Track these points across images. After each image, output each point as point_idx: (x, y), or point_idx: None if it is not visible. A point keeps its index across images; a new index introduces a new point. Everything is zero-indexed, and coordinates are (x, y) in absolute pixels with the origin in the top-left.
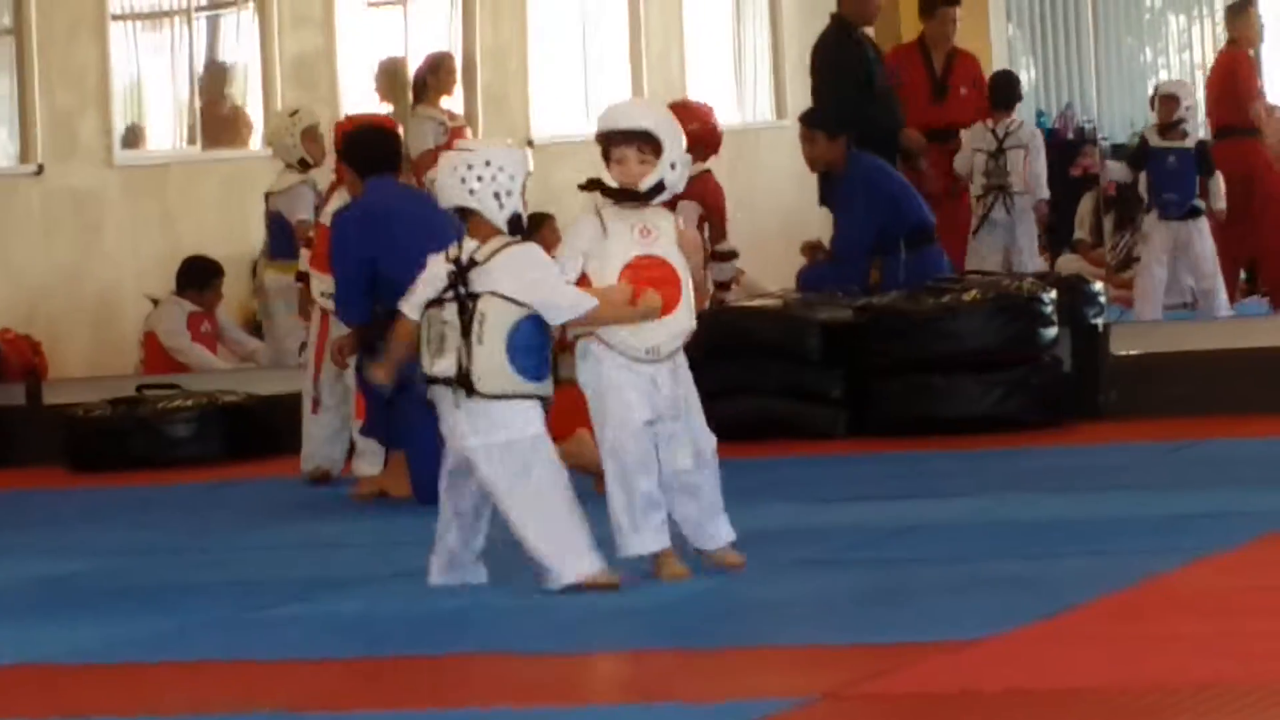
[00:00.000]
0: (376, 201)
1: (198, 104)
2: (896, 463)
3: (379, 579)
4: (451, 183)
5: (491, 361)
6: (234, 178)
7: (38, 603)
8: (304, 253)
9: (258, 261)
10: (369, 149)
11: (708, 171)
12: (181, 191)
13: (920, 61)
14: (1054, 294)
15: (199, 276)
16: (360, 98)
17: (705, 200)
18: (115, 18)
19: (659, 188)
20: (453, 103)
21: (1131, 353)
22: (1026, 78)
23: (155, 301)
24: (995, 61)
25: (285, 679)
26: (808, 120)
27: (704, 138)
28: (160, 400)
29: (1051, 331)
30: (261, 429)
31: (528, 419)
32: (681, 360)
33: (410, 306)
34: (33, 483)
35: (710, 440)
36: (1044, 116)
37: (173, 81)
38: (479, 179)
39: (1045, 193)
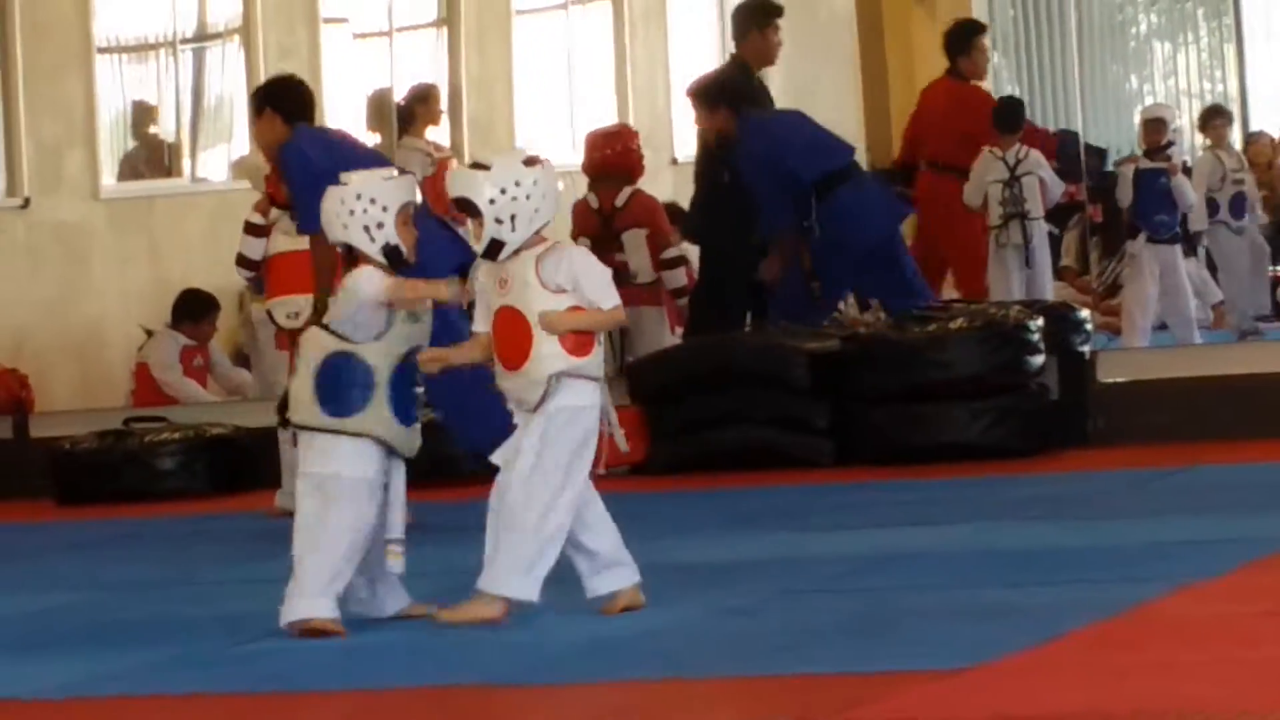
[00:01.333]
0: (314, 133)
1: (185, 136)
2: (883, 491)
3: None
4: (328, 218)
5: (302, 393)
6: (221, 210)
7: (24, 637)
8: None
9: (243, 294)
10: (297, 95)
11: (637, 191)
12: (168, 224)
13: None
14: (1041, 322)
15: (194, 309)
16: (346, 128)
17: (641, 220)
18: (101, 50)
19: (495, 245)
20: (439, 133)
21: (1118, 380)
22: None
23: (149, 333)
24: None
25: (273, 713)
26: (691, 94)
27: (618, 162)
28: (148, 433)
29: (1038, 359)
30: (249, 462)
31: (338, 457)
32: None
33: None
34: (20, 516)
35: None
36: None
37: (159, 114)
38: (350, 213)
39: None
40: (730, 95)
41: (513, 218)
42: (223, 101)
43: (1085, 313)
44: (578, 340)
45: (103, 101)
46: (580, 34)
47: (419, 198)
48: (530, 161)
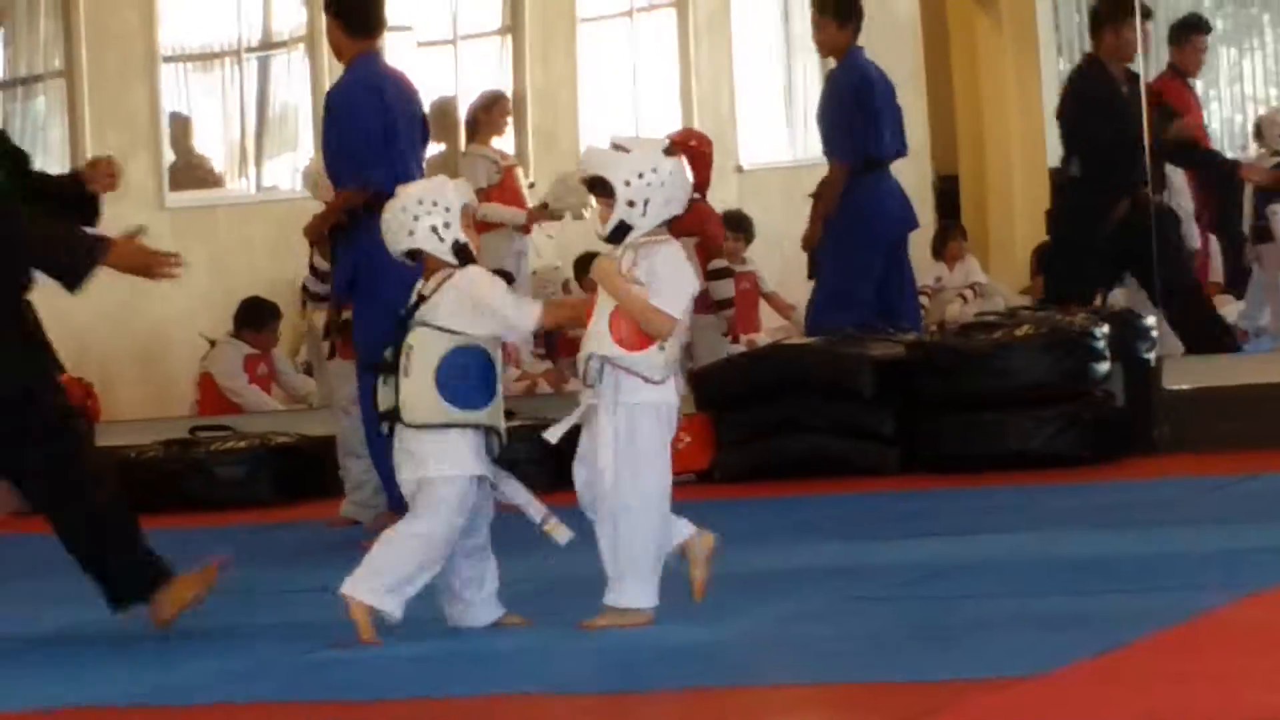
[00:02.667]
0: (370, 80)
1: (249, 144)
2: (948, 499)
3: (428, 620)
4: (393, 227)
5: (419, 392)
6: (285, 218)
7: (92, 646)
8: None
9: (305, 302)
10: (366, 7)
11: (697, 200)
12: (232, 232)
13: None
14: (1106, 329)
15: (256, 318)
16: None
17: (692, 228)
18: (166, 59)
19: (622, 228)
20: (503, 142)
21: (1184, 387)
22: None
23: (212, 342)
24: (1046, 96)
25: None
26: (818, 6)
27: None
28: (213, 442)
29: (1104, 366)
30: (314, 470)
31: (453, 459)
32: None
33: None
34: None
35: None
36: None
37: (224, 122)
38: (414, 218)
39: None
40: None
41: (645, 203)
42: (288, 110)
43: (1150, 319)
44: (626, 332)
45: (167, 110)
46: (644, 41)
47: (475, 201)
48: (669, 151)
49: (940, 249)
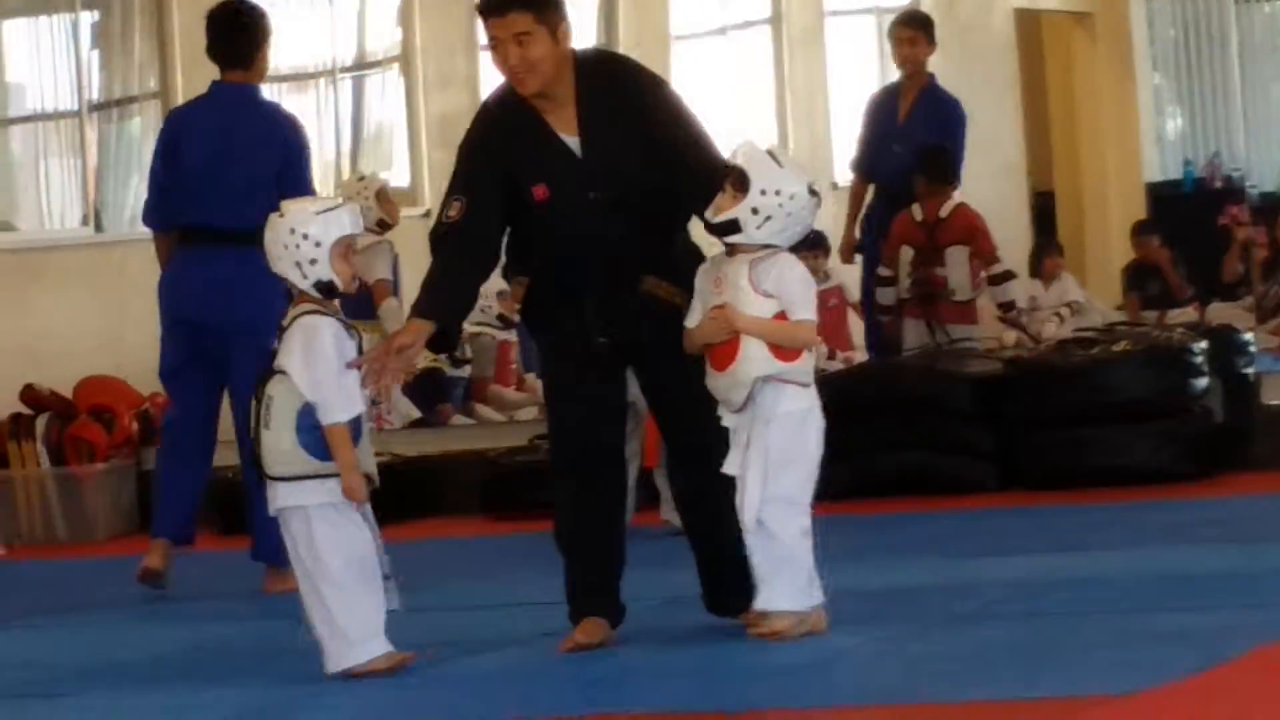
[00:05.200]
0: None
1: (344, 164)
2: (1048, 516)
3: (522, 639)
4: (270, 250)
5: (280, 445)
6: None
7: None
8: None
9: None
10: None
11: (961, 204)
12: None
13: None
14: (1204, 344)
15: None
16: None
17: (962, 237)
18: None
19: (731, 225)
20: None
21: None
22: (1173, 126)
23: None
24: (1142, 111)
25: None
26: (911, 21)
27: None
28: None
29: (1202, 382)
30: (408, 489)
31: (316, 490)
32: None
33: None
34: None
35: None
36: (1191, 166)
37: (318, 143)
38: (284, 246)
39: None
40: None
41: (766, 219)
42: (382, 129)
43: (1249, 335)
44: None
45: None
46: (739, 58)
47: (360, 228)
48: (812, 191)
49: (1036, 266)
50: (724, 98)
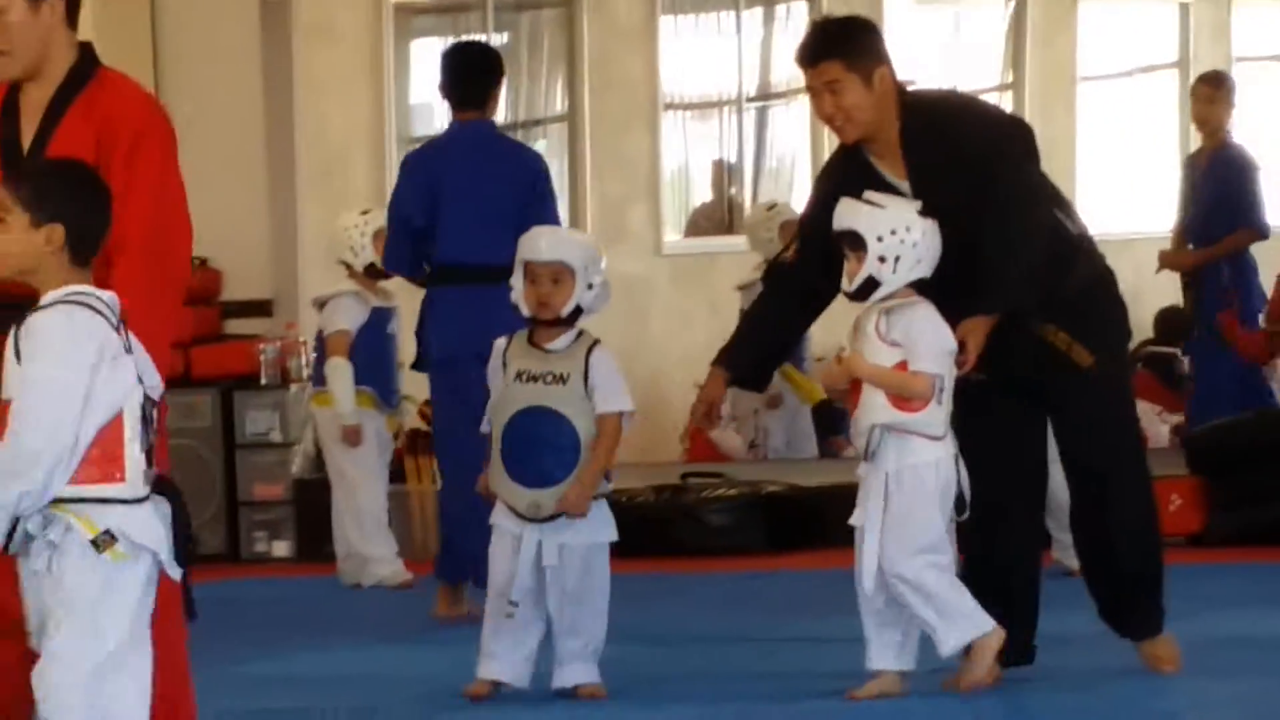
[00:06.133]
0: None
1: (747, 194)
2: None
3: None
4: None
5: None
6: None
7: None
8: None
9: None
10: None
11: None
12: (727, 281)
13: None
14: None
15: None
16: None
17: None
18: (667, 107)
19: (870, 284)
20: None
21: None
22: None
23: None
24: None
25: None
26: (1215, 81)
27: None
28: (704, 488)
29: None
30: (804, 519)
31: None
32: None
33: None
34: None
35: None
36: None
37: (722, 171)
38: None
39: None
40: None
41: (896, 260)
42: (784, 160)
43: None
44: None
45: (666, 158)
46: (1145, 101)
47: None
48: (923, 212)
49: None
50: (1128, 140)
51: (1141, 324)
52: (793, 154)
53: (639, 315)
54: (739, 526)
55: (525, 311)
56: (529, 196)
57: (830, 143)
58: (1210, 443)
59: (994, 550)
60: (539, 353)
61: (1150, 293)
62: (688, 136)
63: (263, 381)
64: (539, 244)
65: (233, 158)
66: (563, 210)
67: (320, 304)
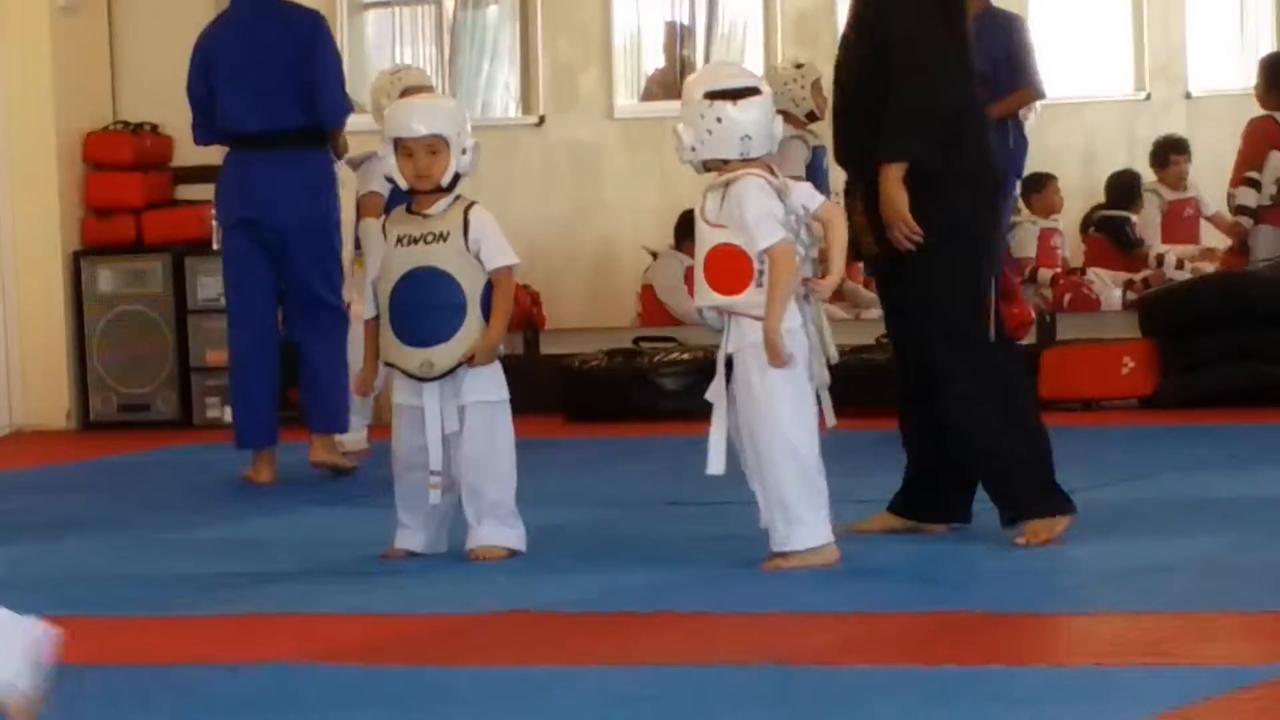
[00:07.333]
0: None
1: (698, 58)
2: None
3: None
4: None
5: None
6: None
7: (535, 550)
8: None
9: None
10: None
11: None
12: None
13: None
14: None
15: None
16: None
17: None
18: None
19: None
20: None
21: None
22: None
23: (654, 255)
24: None
25: (779, 632)
26: None
27: None
28: (656, 353)
29: None
30: None
31: None
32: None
33: None
34: (530, 432)
35: None
36: None
37: (674, 34)
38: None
39: None
40: None
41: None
42: (735, 26)
43: None
44: (726, 276)
45: (619, 22)
46: None
47: None
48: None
49: None
50: (1079, 5)
51: (1093, 188)
52: (745, 18)
53: (591, 179)
54: (693, 390)
55: (402, 185)
56: (308, 56)
57: (784, 6)
58: (1163, 306)
59: (926, 414)
60: (418, 218)
61: (1102, 158)
62: (640, 1)
63: (214, 247)
64: (410, 122)
65: (181, 28)
66: (513, 77)
67: (355, 165)
